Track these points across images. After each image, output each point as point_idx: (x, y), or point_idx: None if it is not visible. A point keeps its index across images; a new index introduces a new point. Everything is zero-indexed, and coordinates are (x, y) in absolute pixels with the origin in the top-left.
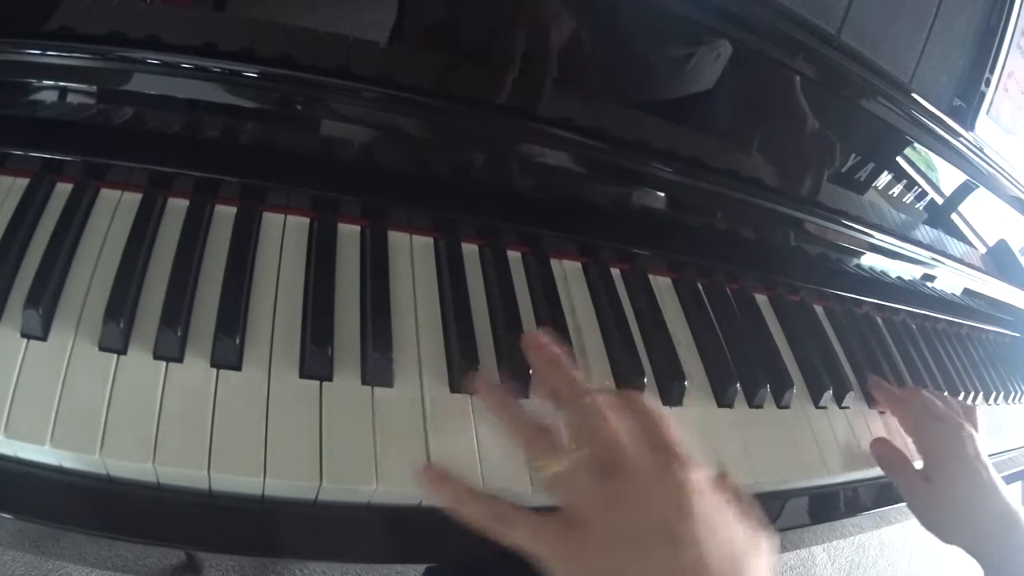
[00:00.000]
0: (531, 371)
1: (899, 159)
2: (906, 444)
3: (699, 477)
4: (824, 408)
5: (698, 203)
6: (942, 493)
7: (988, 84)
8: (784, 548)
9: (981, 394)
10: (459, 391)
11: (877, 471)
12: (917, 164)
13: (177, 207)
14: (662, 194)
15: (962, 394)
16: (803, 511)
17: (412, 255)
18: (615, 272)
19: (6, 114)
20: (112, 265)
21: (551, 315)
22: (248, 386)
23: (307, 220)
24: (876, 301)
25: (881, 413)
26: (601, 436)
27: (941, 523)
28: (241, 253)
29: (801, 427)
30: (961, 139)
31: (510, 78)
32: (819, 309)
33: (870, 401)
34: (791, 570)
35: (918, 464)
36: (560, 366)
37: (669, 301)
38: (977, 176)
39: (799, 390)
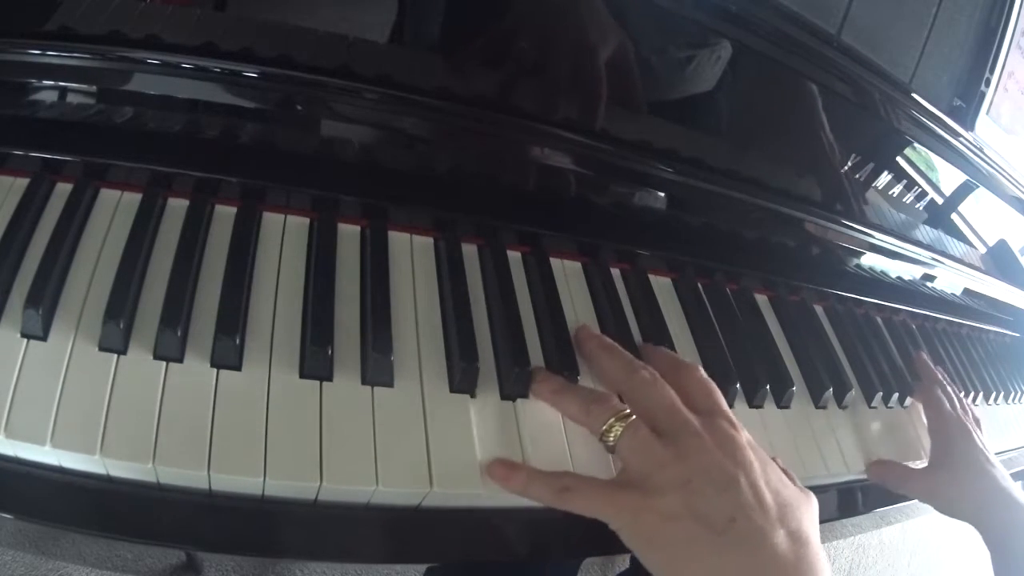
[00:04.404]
0: (586, 358)
1: (899, 159)
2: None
3: (748, 436)
4: (824, 408)
5: (698, 203)
6: (954, 473)
7: (988, 84)
8: None
9: (981, 394)
10: (459, 391)
11: None
12: (917, 164)
13: (177, 207)
14: (662, 194)
15: (962, 394)
16: None
17: (412, 255)
18: (615, 272)
19: (6, 114)
20: (112, 265)
21: (551, 315)
22: (248, 386)
23: (307, 220)
24: (876, 301)
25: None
26: (658, 400)
27: (953, 503)
28: (241, 253)
29: (801, 427)
30: (961, 139)
31: (511, 79)
32: (819, 309)
33: (870, 400)
34: None
35: (916, 463)
36: (614, 350)
37: (669, 301)
38: (977, 176)
39: (799, 390)
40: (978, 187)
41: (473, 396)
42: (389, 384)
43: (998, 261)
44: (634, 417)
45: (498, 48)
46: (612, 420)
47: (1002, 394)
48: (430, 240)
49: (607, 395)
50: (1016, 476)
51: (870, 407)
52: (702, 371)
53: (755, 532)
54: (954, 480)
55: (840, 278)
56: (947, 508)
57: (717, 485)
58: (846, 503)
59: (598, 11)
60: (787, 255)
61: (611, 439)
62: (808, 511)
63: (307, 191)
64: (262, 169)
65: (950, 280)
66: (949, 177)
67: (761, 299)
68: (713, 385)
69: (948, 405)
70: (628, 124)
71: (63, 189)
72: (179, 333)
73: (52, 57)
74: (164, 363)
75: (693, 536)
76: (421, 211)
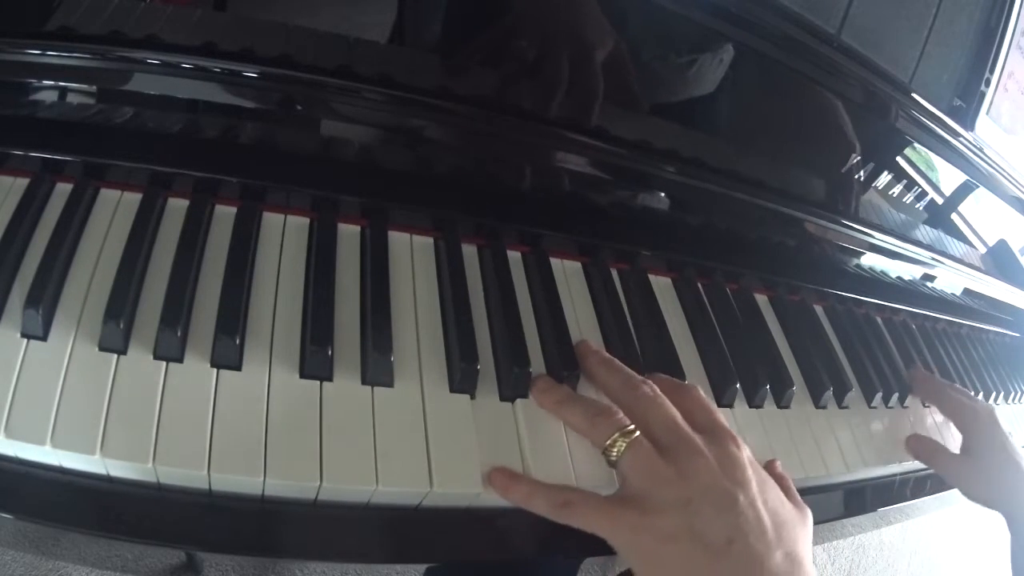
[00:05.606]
0: (586, 374)
1: (899, 159)
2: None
3: (749, 453)
4: (824, 408)
5: (698, 203)
6: (983, 462)
7: (988, 84)
8: None
9: (981, 394)
10: (459, 391)
11: (876, 471)
12: (917, 164)
13: (177, 207)
14: (663, 194)
15: None
16: None
17: (412, 255)
18: (615, 272)
19: (6, 114)
20: (112, 265)
21: (551, 315)
22: (248, 386)
23: (307, 220)
24: (876, 301)
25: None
26: (660, 416)
27: (983, 489)
28: (241, 253)
29: (801, 427)
30: (961, 139)
31: (512, 79)
32: (819, 309)
33: (870, 400)
34: None
35: (950, 446)
36: (614, 365)
37: (669, 301)
38: (977, 176)
39: (799, 390)
40: (978, 187)
41: (473, 396)
42: (389, 384)
43: (998, 261)
44: (638, 434)
45: (500, 48)
46: (616, 435)
47: (1002, 394)
48: (430, 240)
49: (611, 408)
50: None
51: (870, 407)
52: (701, 391)
53: (752, 555)
54: (983, 466)
55: (840, 278)
56: (973, 493)
57: (717, 506)
58: (846, 503)
59: (598, 13)
60: (787, 255)
61: (614, 454)
62: (803, 530)
63: (307, 191)
64: (262, 169)
65: (950, 280)
66: (949, 177)
67: (761, 299)
68: (713, 405)
69: (966, 397)
70: (629, 125)
71: (63, 189)
72: (179, 333)
73: (52, 57)
74: (164, 363)
75: (690, 557)
76: (421, 211)
